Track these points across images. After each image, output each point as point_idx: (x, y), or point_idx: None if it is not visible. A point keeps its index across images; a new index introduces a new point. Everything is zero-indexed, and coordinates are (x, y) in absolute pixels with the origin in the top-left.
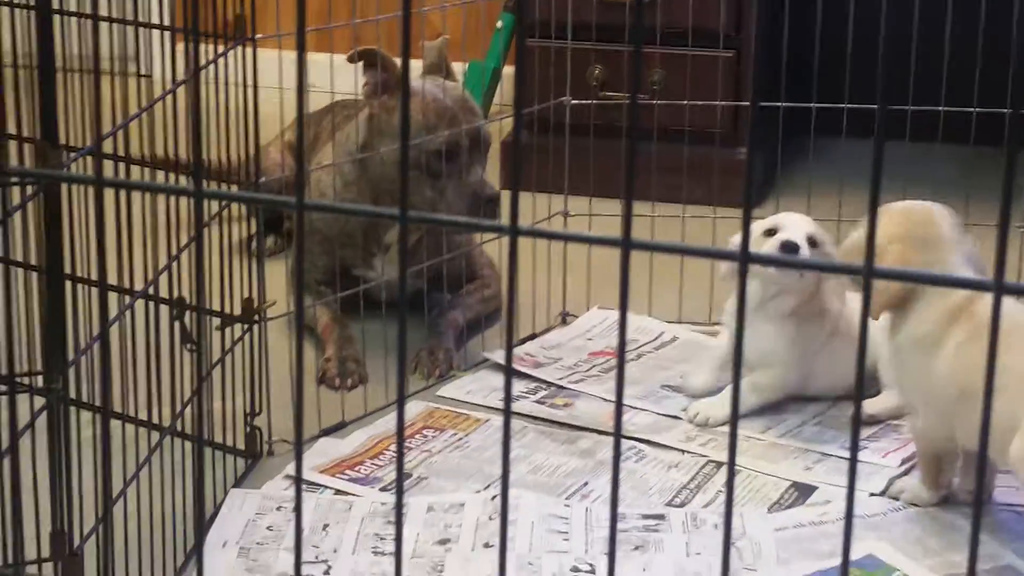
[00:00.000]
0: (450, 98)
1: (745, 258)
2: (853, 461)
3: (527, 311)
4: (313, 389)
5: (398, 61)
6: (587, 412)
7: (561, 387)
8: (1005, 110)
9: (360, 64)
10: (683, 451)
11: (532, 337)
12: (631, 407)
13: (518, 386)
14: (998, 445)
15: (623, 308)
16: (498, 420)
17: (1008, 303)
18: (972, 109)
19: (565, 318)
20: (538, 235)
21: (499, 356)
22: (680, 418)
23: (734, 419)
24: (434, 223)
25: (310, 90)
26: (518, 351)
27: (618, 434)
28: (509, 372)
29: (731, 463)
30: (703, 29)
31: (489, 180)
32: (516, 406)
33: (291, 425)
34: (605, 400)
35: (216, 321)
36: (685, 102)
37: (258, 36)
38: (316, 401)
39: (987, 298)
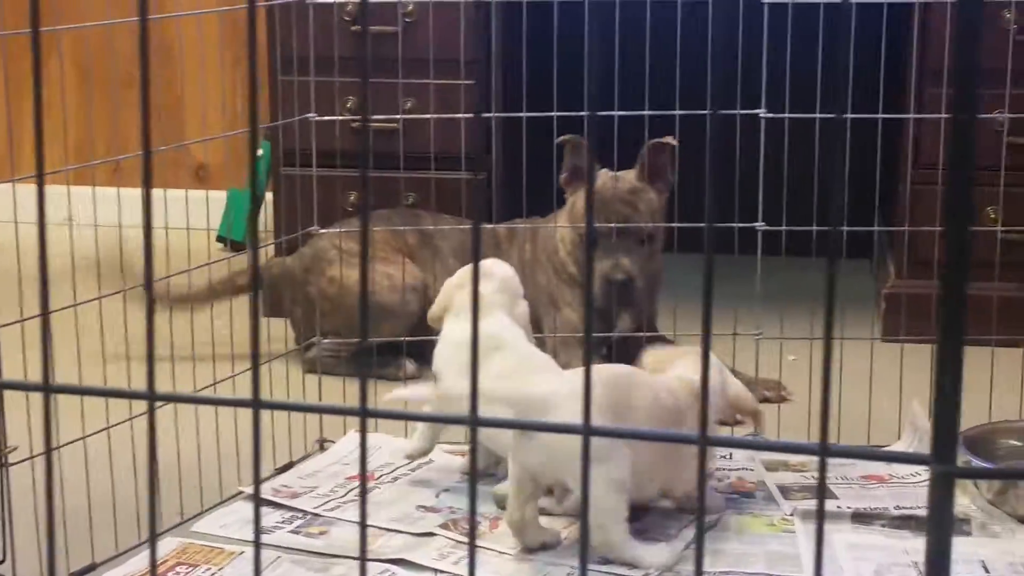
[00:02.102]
0: (612, 190)
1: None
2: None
3: (283, 438)
4: (61, 532)
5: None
6: (342, 538)
7: (317, 515)
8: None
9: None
10: (436, 571)
11: (289, 466)
12: (386, 529)
13: (273, 517)
14: None
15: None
16: (250, 553)
17: None
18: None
19: (323, 444)
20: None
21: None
22: (435, 534)
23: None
24: None
25: (74, 223)
26: (274, 482)
27: (363, 557)
28: (258, 504)
29: None
30: (448, 154)
31: (626, 265)
32: (271, 537)
33: (38, 570)
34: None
35: None
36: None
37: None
38: (64, 544)
39: None
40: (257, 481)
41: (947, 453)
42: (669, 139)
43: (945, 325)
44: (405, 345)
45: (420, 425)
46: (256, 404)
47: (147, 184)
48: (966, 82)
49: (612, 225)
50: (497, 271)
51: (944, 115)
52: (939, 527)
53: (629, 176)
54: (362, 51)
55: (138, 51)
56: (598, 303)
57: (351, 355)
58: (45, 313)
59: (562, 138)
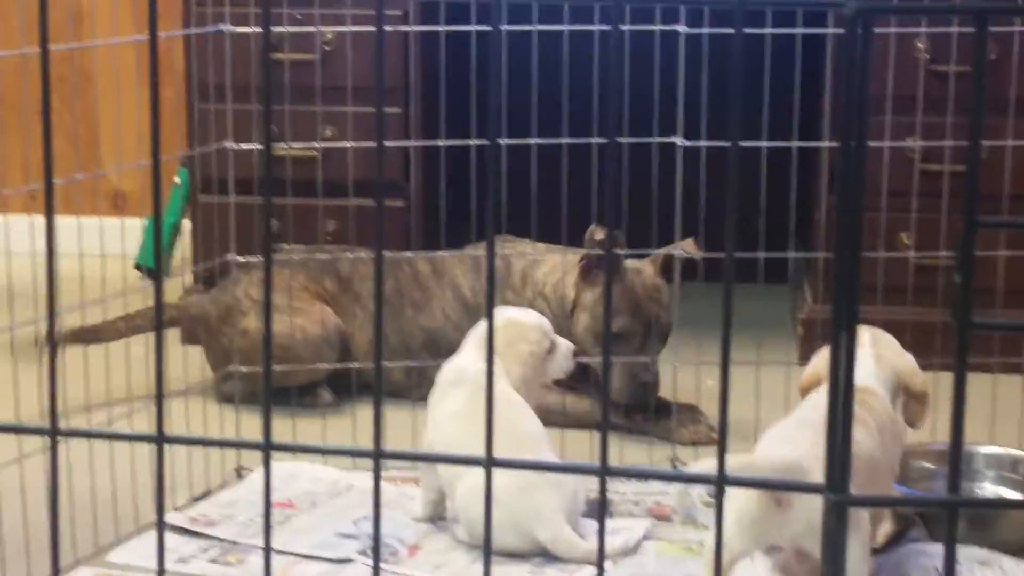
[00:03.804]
0: (641, 287)
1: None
2: None
3: (200, 468)
4: None
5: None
6: (259, 566)
7: (235, 543)
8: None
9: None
10: None
11: (207, 495)
12: (304, 556)
13: (191, 546)
14: None
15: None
16: None
17: None
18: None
19: (240, 473)
20: None
21: (172, 517)
22: (353, 560)
23: None
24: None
25: None
26: (192, 511)
27: None
28: (161, 534)
29: None
30: (368, 182)
31: (654, 367)
32: (189, 566)
33: None
34: (279, 552)
35: None
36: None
37: None
38: None
39: None
40: (160, 512)
41: (840, 482)
42: (690, 247)
43: (835, 356)
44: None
45: (420, 495)
46: (160, 439)
47: (49, 213)
48: (854, 111)
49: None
50: (508, 314)
51: (832, 143)
52: (834, 554)
53: (648, 271)
54: (266, 80)
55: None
56: (622, 400)
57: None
58: None
59: (596, 235)
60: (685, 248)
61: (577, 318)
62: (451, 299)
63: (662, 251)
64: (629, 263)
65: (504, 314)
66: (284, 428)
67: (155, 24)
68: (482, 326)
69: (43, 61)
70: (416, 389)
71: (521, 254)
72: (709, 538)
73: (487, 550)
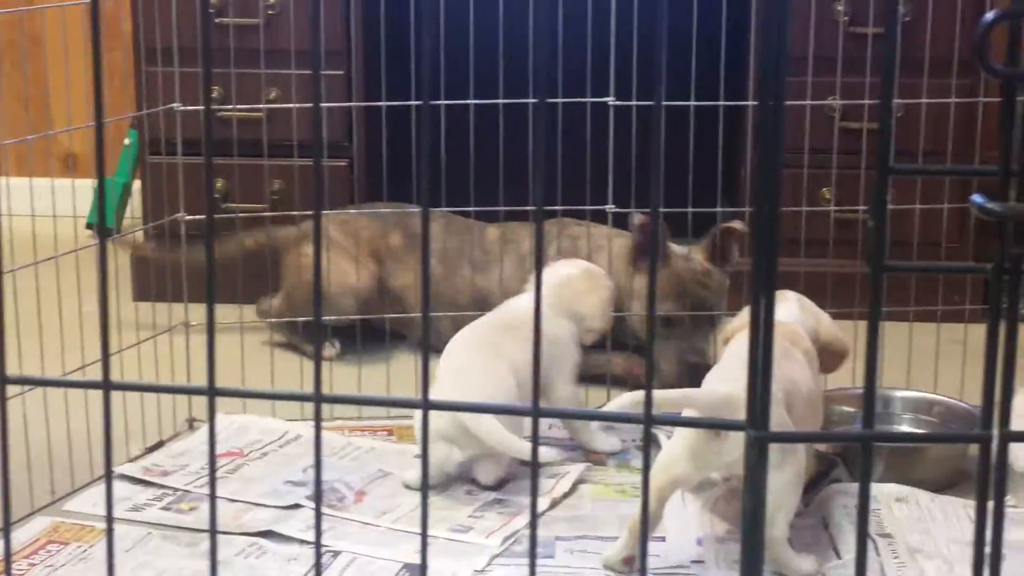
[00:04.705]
0: (688, 272)
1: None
2: None
3: (153, 419)
4: None
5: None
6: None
7: (187, 491)
8: None
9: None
10: (302, 541)
11: (160, 445)
12: (254, 504)
13: (145, 495)
14: None
15: None
16: (122, 529)
17: None
18: None
19: (192, 423)
20: None
21: (125, 468)
22: (302, 506)
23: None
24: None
25: None
26: (146, 461)
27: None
28: (109, 483)
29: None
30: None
31: (701, 348)
32: (143, 514)
33: None
34: (230, 500)
35: None
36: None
37: None
38: None
39: None
40: (108, 460)
41: (761, 419)
42: (738, 225)
43: (755, 302)
44: (330, 329)
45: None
46: (106, 385)
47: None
48: (771, 70)
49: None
50: (584, 265)
51: (752, 103)
52: (755, 488)
53: (698, 256)
54: (206, 44)
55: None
56: (672, 382)
57: (280, 326)
58: None
59: (637, 220)
60: (735, 227)
61: (630, 307)
62: (511, 265)
63: (710, 233)
64: (676, 248)
65: (580, 265)
66: (293, 375)
67: None
68: (545, 274)
69: None
70: None
71: (574, 237)
72: (642, 478)
73: (424, 492)
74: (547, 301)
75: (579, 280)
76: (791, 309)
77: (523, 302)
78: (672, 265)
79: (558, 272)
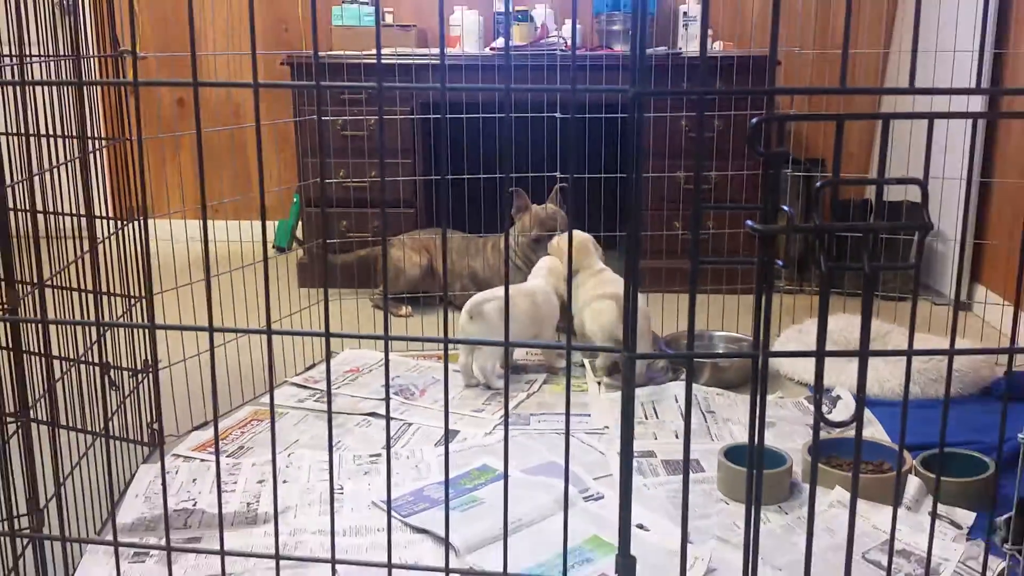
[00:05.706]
0: (546, 214)
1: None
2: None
3: (308, 352)
4: (187, 406)
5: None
6: (342, 404)
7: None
8: None
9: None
10: (392, 418)
11: (312, 367)
12: (364, 397)
13: (304, 393)
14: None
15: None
16: (291, 413)
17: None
18: None
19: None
20: None
21: (293, 379)
22: (392, 398)
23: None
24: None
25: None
26: (304, 376)
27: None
28: (272, 393)
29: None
30: None
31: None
32: (303, 404)
33: (174, 426)
34: (350, 396)
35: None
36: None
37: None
38: (188, 409)
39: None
40: (271, 377)
41: (633, 344)
42: (563, 185)
43: (630, 261)
44: (406, 298)
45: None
46: (269, 332)
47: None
48: (633, 157)
49: (545, 233)
50: (545, 264)
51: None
52: (628, 393)
53: (550, 207)
54: (321, 146)
55: None
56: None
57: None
58: None
59: (511, 189)
60: (566, 186)
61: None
62: (489, 257)
63: (555, 190)
64: (536, 207)
65: (552, 258)
66: (378, 323)
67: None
68: (546, 260)
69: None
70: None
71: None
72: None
73: (446, 397)
74: (543, 279)
75: (556, 266)
76: (553, 264)
77: (534, 282)
78: (535, 211)
79: (545, 263)
